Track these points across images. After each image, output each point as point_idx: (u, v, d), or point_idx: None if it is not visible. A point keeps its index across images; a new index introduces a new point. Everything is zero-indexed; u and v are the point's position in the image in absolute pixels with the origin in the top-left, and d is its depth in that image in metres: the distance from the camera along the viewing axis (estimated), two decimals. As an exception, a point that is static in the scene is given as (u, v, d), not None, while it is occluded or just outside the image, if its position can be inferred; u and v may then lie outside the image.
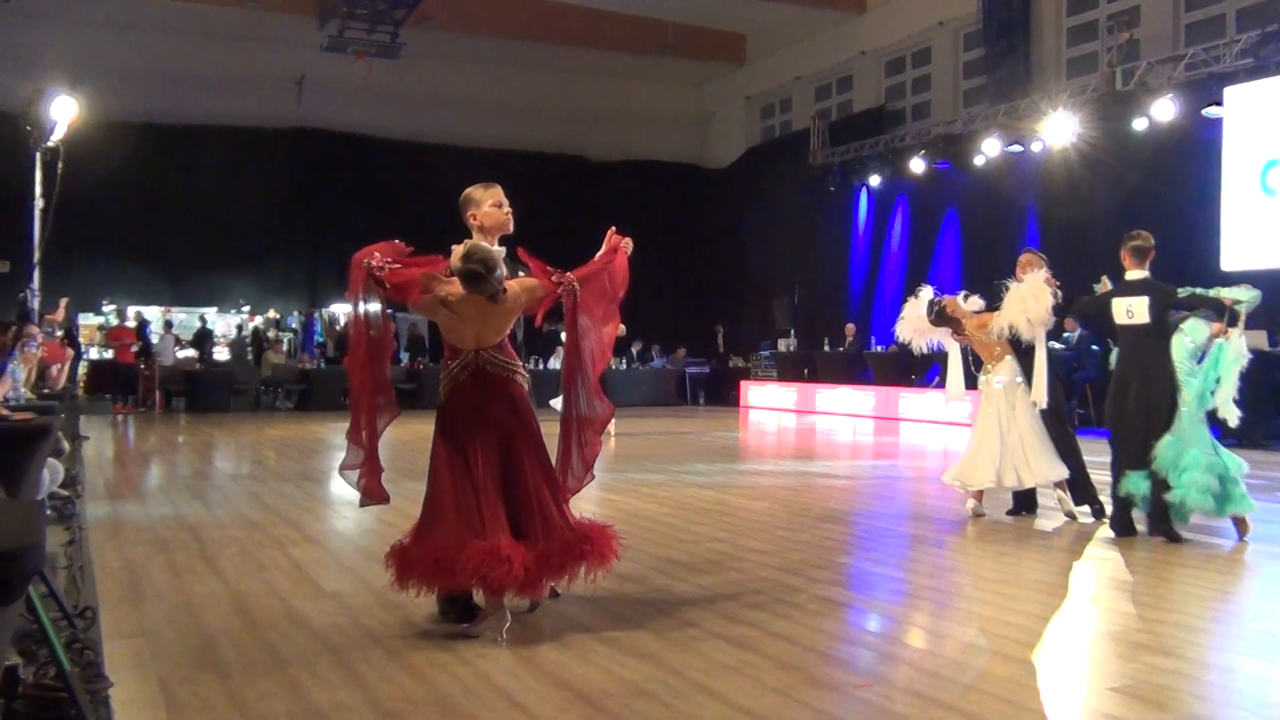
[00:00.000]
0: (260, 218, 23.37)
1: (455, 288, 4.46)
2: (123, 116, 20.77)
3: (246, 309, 23.90)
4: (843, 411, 19.65)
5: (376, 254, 4.42)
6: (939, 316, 7.71)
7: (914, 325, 7.96)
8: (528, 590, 4.48)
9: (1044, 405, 7.37)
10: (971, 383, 8.06)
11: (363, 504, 4.60)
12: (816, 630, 4.57)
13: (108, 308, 22.21)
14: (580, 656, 4.12)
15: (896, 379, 19.06)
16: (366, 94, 23.52)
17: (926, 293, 8.04)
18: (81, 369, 20.71)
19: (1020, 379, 7.46)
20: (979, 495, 7.59)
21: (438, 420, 4.62)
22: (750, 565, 5.91)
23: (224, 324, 23.42)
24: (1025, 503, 7.71)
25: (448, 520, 4.41)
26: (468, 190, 4.74)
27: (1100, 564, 6.17)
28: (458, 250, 4.47)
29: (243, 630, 4.51)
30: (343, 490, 9.41)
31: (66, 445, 8.76)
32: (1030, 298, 7.29)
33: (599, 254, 4.86)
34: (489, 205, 4.69)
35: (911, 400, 18.22)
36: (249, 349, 22.05)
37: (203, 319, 22.64)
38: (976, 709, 3.58)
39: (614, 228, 4.94)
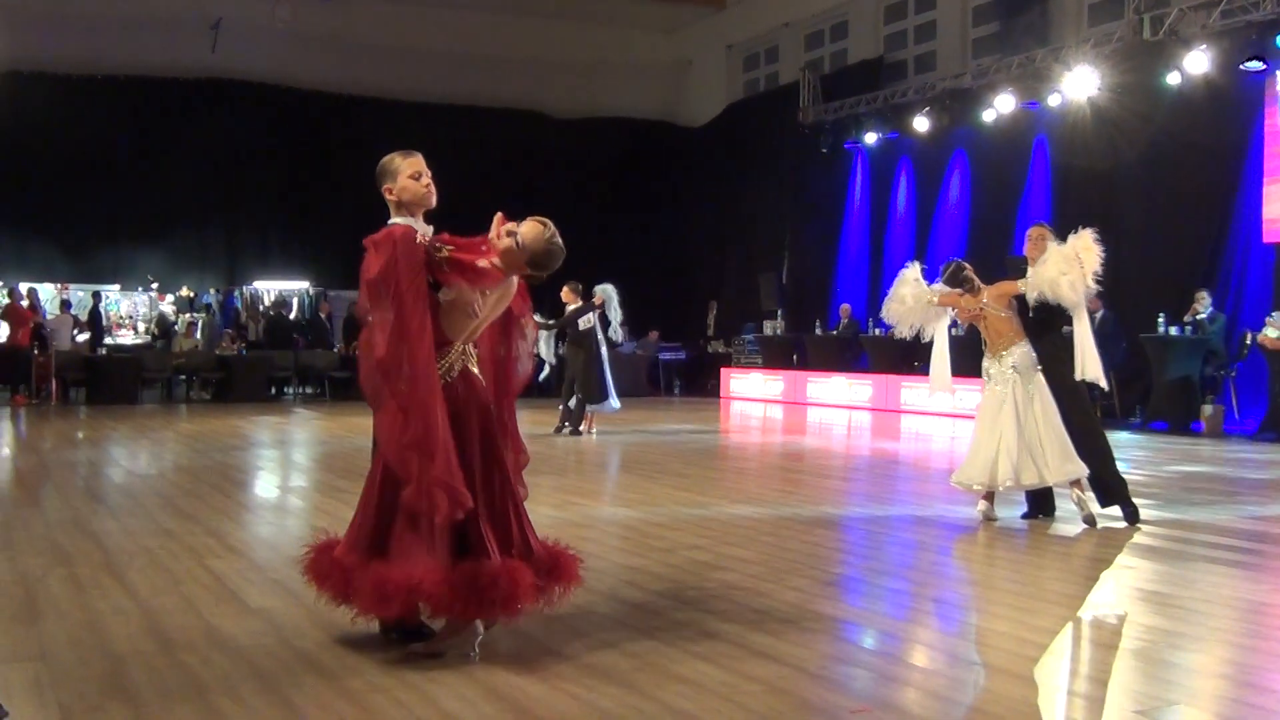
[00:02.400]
0: (170, 181, 23.03)
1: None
2: (8, 65, 20.44)
3: (155, 286, 23.64)
4: (836, 403, 19.74)
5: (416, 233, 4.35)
6: (954, 275, 7.74)
7: (904, 305, 8.00)
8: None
9: (1103, 383, 7.53)
10: (962, 370, 8.12)
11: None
12: (808, 649, 4.61)
13: (-2, 284, 21.98)
14: (542, 680, 4.14)
15: (897, 366, 19.12)
16: (292, 40, 23.28)
17: (913, 270, 8.09)
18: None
19: (1037, 364, 7.51)
20: (990, 497, 7.65)
21: None
22: (733, 576, 5.94)
23: (129, 303, 23.16)
24: (1042, 504, 7.78)
25: (433, 539, 4.29)
26: (386, 159, 4.62)
27: (1126, 573, 6.25)
28: (534, 230, 4.42)
29: (156, 652, 4.48)
30: (268, 493, 9.49)
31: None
32: (1073, 258, 7.29)
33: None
34: (406, 177, 4.57)
35: (914, 390, 18.31)
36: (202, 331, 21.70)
37: (96, 296, 22.35)
38: (988, 735, 3.63)
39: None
